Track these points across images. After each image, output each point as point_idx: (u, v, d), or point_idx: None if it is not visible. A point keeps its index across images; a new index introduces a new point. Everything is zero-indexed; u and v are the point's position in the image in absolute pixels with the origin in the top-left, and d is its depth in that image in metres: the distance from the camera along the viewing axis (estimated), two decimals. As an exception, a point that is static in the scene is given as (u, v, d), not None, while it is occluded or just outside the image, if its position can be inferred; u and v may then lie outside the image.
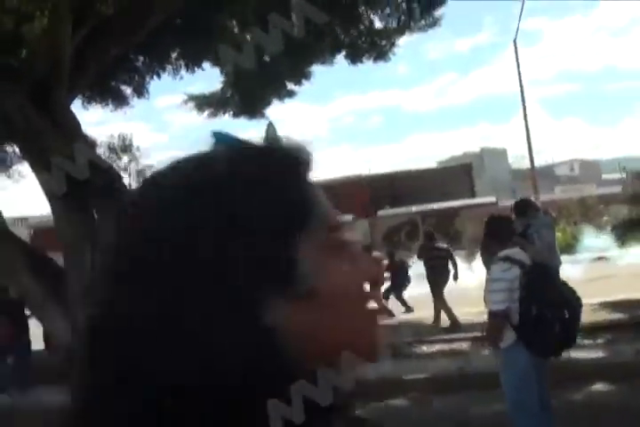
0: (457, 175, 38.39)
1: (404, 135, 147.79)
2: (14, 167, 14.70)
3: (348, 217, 30.95)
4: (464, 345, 10.10)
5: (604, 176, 58.65)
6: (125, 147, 12.93)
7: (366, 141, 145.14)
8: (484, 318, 4.80)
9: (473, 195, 37.41)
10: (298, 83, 18.90)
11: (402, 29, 17.24)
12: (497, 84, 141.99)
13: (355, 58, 17.56)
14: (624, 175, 62.05)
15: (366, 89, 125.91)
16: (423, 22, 17.01)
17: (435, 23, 16.90)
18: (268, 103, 19.29)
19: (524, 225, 8.75)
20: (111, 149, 12.82)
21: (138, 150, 13.12)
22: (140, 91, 15.64)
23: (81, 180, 11.70)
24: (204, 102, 18.92)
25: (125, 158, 12.93)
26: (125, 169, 12.77)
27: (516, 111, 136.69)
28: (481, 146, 50.22)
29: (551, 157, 70.58)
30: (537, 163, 41.84)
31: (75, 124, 12.62)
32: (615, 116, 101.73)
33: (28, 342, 10.61)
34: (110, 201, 12.49)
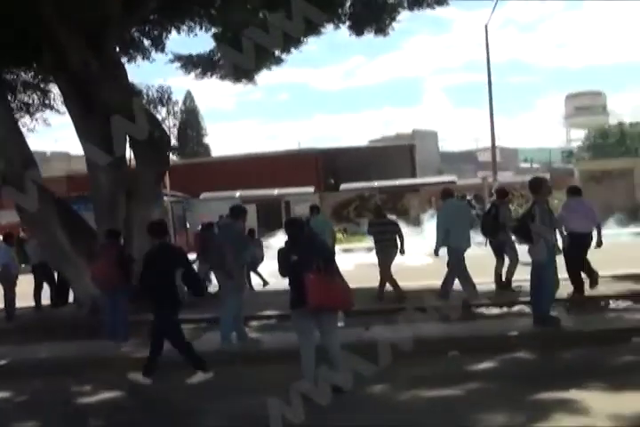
0: (399, 154, 39.32)
1: (311, 113, 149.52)
2: (38, 115, 14.21)
3: (310, 189, 31.31)
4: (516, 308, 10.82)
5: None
6: (163, 100, 12.73)
7: (273, 117, 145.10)
8: None
9: (414, 174, 38.47)
10: (287, 51, 18.83)
11: (407, 4, 17.28)
12: (403, 70, 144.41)
13: (358, 30, 17.59)
14: (530, 165, 65.36)
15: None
16: (431, -2, 16.97)
17: (442, 0, 16.97)
18: (258, 69, 19.19)
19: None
20: (150, 101, 12.57)
21: (176, 104, 12.89)
22: (159, 44, 15.41)
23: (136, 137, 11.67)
24: (189, 63, 18.63)
25: (164, 112, 12.72)
26: (163, 122, 12.55)
27: (420, 97, 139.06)
28: (413, 127, 51.49)
29: (475, 143, 73.23)
30: (461, 148, 43.41)
31: (124, 74, 12.46)
32: (513, 109, 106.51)
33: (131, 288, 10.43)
34: (155, 156, 12.46)
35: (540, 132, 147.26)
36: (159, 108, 12.50)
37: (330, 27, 17.71)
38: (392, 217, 14.29)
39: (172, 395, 7.64)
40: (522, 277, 12.34)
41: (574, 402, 6.07)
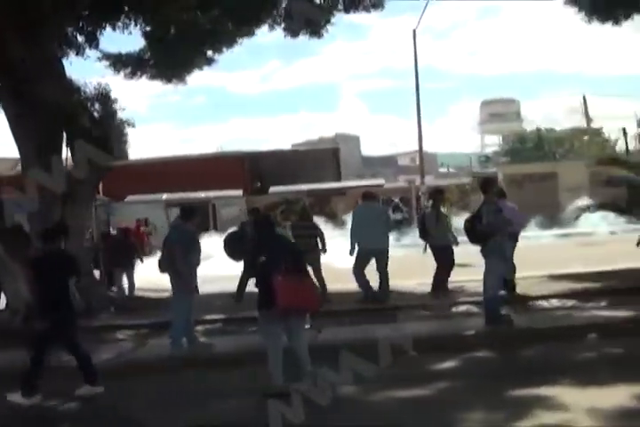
0: (324, 158, 39.35)
1: (228, 117, 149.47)
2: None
3: (238, 192, 30.90)
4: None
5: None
6: (102, 97, 12.21)
7: (188, 121, 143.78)
8: None
9: (339, 177, 38.55)
10: (218, 50, 18.49)
11: (343, 7, 17.21)
12: (320, 75, 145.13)
13: (293, 32, 17.44)
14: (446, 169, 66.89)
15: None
16: (368, 2, 16.96)
17: (379, 4, 16.99)
18: (189, 70, 18.78)
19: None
20: (88, 98, 12.06)
21: (115, 102, 12.39)
22: (93, 41, 14.83)
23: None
24: (118, 61, 18.09)
25: (99, 108, 12.16)
26: (102, 121, 12.03)
27: (336, 102, 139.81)
28: (336, 131, 51.78)
29: (391, 147, 74.67)
30: (378, 152, 44.36)
31: (62, 71, 11.96)
32: (428, 114, 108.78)
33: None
34: (95, 156, 11.93)
35: (454, 137, 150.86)
36: (97, 106, 11.96)
37: (264, 28, 17.63)
38: (319, 219, 14.27)
39: (128, 403, 7.29)
40: (460, 278, 12.55)
41: (548, 398, 6.10)
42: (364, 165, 52.26)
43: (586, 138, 55.96)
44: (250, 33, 17.39)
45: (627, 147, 37.68)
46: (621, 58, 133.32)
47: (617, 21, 16.68)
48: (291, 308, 6.76)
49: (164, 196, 29.43)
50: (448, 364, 7.84)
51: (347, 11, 17.23)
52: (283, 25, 17.15)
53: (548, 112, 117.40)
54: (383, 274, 11.86)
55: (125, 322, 11.74)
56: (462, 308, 11.10)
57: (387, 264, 11.86)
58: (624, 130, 38.54)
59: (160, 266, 9.31)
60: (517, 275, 11.82)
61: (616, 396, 6.02)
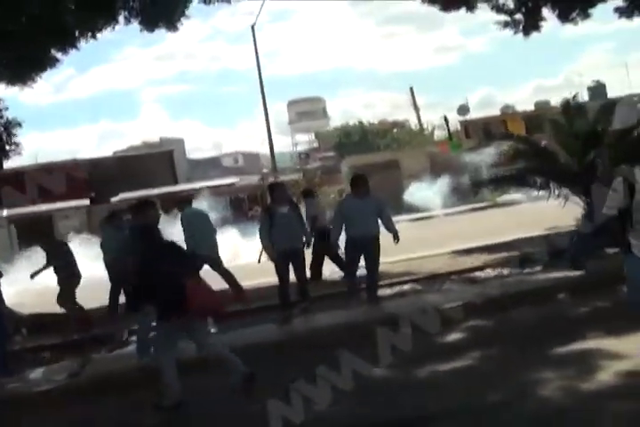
0: (160, 162, 38.17)
1: (22, 131, 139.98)
2: None
3: (85, 202, 28.99)
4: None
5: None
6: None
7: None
8: None
9: (176, 181, 37.54)
10: (63, 50, 17.31)
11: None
12: (116, 82, 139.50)
13: (149, 25, 16.70)
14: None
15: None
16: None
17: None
18: (36, 71, 17.43)
19: None
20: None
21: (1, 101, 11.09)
22: None
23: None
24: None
25: None
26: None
27: (137, 109, 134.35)
28: (160, 135, 50.31)
29: (219, 149, 74.40)
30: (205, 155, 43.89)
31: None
32: (232, 118, 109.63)
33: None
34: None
35: (260, 138, 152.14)
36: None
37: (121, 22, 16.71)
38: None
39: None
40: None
41: (598, 350, 6.21)
42: (190, 167, 51.27)
43: (396, 130, 58.94)
44: (101, 28, 16.40)
45: (449, 134, 39.73)
46: (406, 55, 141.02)
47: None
48: (203, 312, 6.49)
49: (4, 212, 27.03)
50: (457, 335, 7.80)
51: (206, 2, 16.73)
52: (139, 18, 16.40)
53: (345, 109, 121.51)
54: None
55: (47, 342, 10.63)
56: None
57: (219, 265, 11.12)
58: (445, 118, 40.70)
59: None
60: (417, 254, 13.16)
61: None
